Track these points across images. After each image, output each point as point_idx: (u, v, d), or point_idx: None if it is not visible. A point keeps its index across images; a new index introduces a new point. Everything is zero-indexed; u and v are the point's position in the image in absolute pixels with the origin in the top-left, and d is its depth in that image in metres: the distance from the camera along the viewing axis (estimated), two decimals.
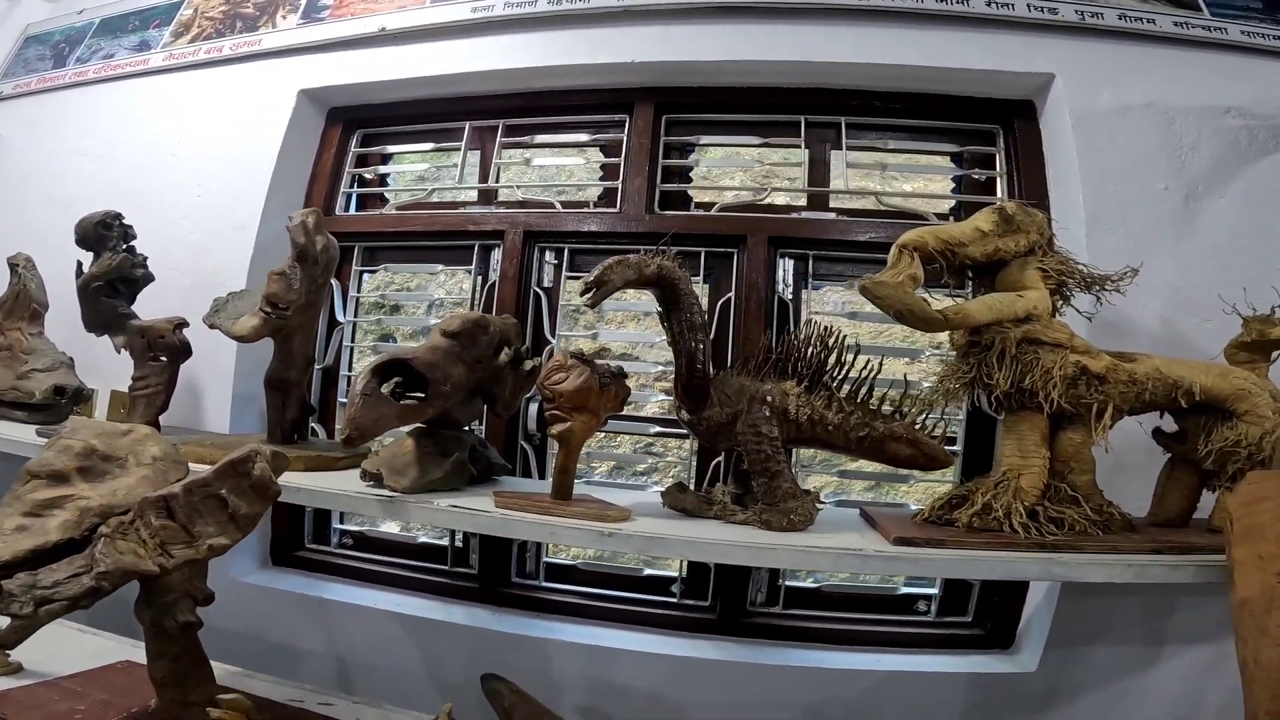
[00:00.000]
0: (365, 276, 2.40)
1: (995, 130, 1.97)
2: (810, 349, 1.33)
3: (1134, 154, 1.73)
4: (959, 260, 1.30)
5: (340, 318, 2.27)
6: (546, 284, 2.12)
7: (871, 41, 1.90)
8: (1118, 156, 1.73)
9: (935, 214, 1.99)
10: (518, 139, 2.28)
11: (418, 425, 1.46)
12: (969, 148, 1.99)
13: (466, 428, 1.62)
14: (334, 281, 2.22)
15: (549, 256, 2.14)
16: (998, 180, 1.97)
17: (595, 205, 2.18)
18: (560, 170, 2.38)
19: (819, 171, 2.05)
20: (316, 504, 1.46)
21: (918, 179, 2.42)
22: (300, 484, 1.39)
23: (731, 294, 1.96)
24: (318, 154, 2.40)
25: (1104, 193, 1.70)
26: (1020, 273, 1.34)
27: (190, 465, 1.24)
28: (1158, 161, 1.72)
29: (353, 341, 2.33)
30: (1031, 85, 1.87)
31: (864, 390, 1.33)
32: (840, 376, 1.33)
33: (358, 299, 2.33)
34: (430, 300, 2.43)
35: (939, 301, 1.27)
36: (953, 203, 2.03)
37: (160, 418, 1.87)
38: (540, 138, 2.27)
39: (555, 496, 1.34)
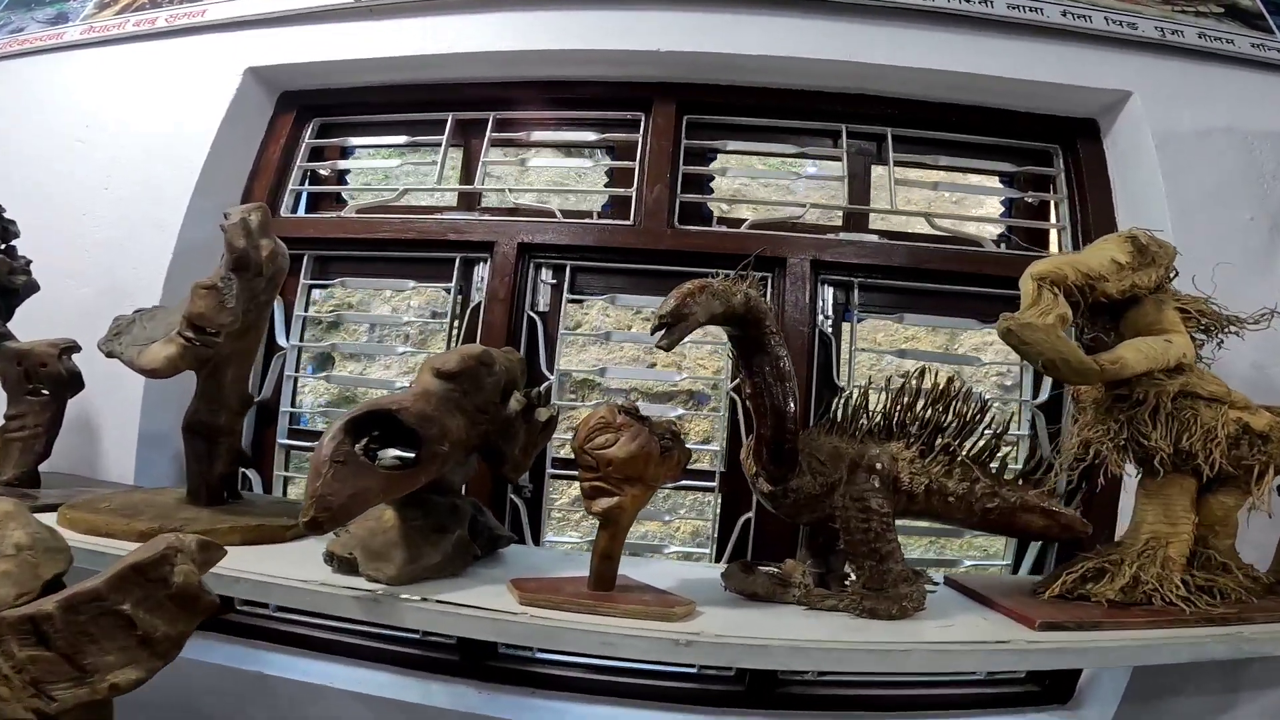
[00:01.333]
0: (316, 293, 2.00)
1: (1053, 150, 1.78)
2: (923, 402, 1.07)
3: (1219, 180, 1.55)
4: (1095, 297, 1.09)
5: (282, 341, 1.86)
6: (543, 307, 1.78)
7: (927, 46, 1.65)
8: (1203, 183, 1.54)
9: (991, 240, 1.78)
10: (511, 135, 1.95)
11: None
12: (1025, 168, 1.79)
13: (461, 490, 1.27)
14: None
15: (546, 274, 1.80)
16: (1054, 205, 1.77)
17: (600, 215, 1.87)
18: (563, 173, 2.06)
19: (857, 188, 1.80)
20: (267, 598, 1.09)
21: (965, 200, 2.21)
22: (239, 571, 1.00)
23: None
24: (263, 144, 1.97)
25: (1191, 221, 1.51)
26: (1158, 313, 1.14)
27: (83, 542, 0.87)
28: (1242, 190, 1.55)
29: (296, 370, 1.91)
30: (1100, 103, 1.67)
31: (989, 453, 1.08)
32: (960, 436, 1.07)
33: (304, 319, 1.93)
34: (397, 323, 2.05)
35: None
36: (1001, 228, 1.82)
37: (40, 466, 1.44)
38: (538, 134, 1.94)
39: (597, 587, 1.01)
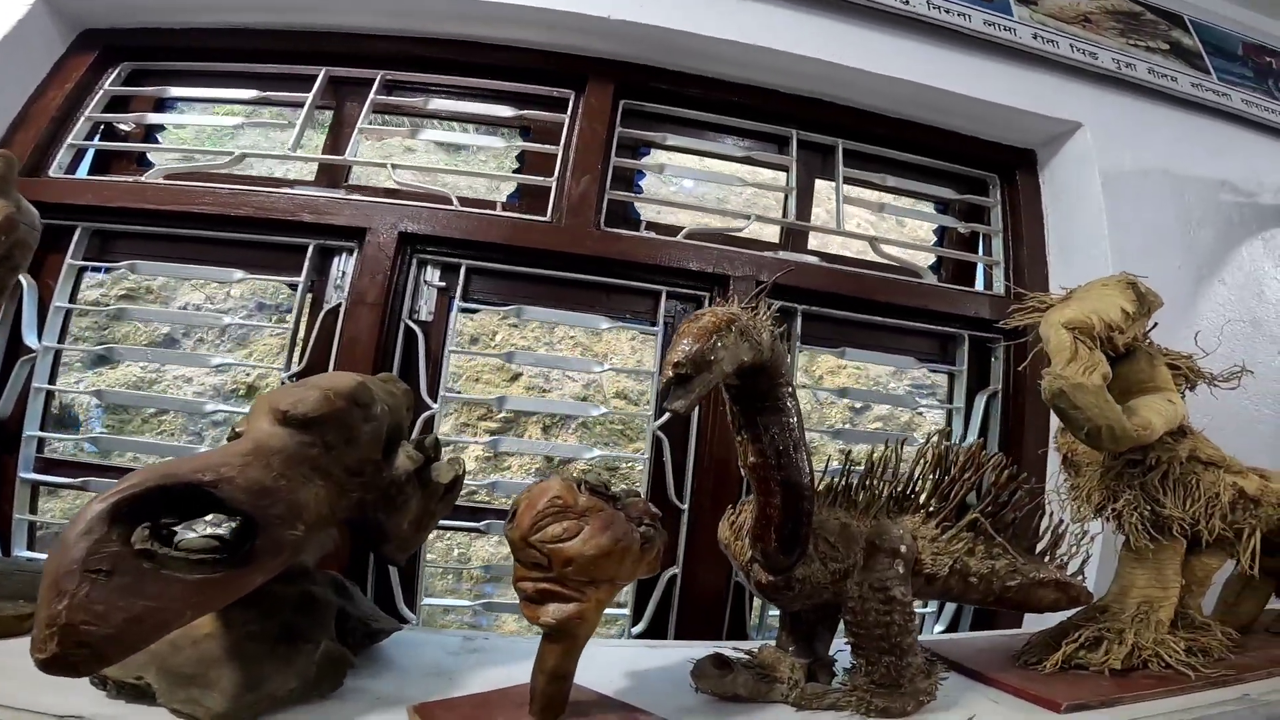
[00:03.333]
0: (90, 275, 1.47)
1: (991, 180, 1.70)
2: (943, 472, 0.87)
3: (1154, 224, 1.52)
4: (1108, 349, 0.96)
5: (31, 341, 1.32)
6: (425, 316, 1.40)
7: (894, 51, 1.50)
8: (1141, 226, 1.51)
9: (928, 269, 1.66)
10: (401, 100, 1.55)
11: None
12: (964, 196, 1.70)
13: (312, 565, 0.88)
14: (25, 280, 1.30)
15: (432, 274, 1.42)
16: (984, 237, 1.69)
17: (505, 207, 1.52)
18: (465, 154, 1.68)
19: (802, 202, 1.62)
20: None
21: (906, 224, 2.12)
22: None
23: None
24: (41, 88, 1.47)
25: (1129, 266, 1.47)
26: (1151, 369, 1.04)
27: None
28: (1172, 235, 1.55)
29: (51, 381, 1.37)
30: (1047, 132, 1.60)
31: (1009, 527, 0.90)
32: (993, 511, 0.88)
33: (69, 311, 1.39)
34: (212, 324, 1.56)
35: None
36: (932, 259, 1.73)
37: None
38: (438, 103, 1.55)
39: (544, 715, 0.70)
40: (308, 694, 0.73)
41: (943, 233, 1.76)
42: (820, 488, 0.84)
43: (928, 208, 1.77)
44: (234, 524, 0.67)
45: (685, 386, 0.62)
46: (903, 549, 0.80)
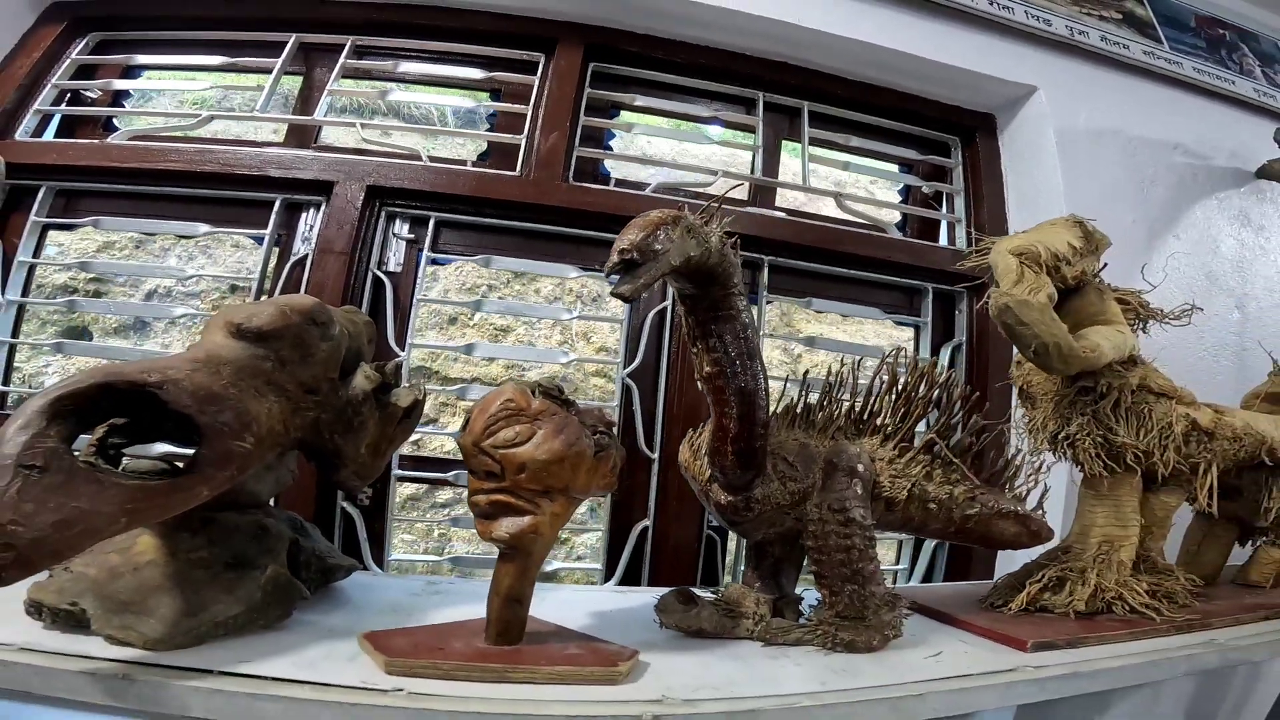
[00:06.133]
0: (54, 235, 1.43)
1: (952, 142, 1.71)
2: (897, 390, 0.86)
3: (1108, 182, 1.54)
4: (1057, 281, 0.97)
5: None
6: (394, 266, 1.38)
7: (857, 14, 1.50)
8: (1096, 183, 1.52)
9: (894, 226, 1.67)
10: (371, 64, 1.52)
11: None
12: (927, 157, 1.71)
13: (270, 503, 0.86)
14: None
15: (400, 227, 1.40)
16: (946, 197, 1.70)
17: (478, 164, 1.50)
18: (432, 113, 1.65)
19: (768, 162, 1.62)
20: None
21: (872, 185, 2.12)
22: None
23: (667, 303, 1.42)
24: (7, 59, 1.45)
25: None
26: (1102, 302, 1.03)
27: None
28: (1126, 192, 1.56)
29: (14, 335, 1.33)
30: (1005, 96, 1.60)
31: (970, 452, 0.89)
32: (945, 431, 0.88)
33: (32, 265, 1.35)
34: (175, 278, 1.52)
35: None
36: (898, 216, 1.74)
37: None
38: (406, 67, 1.52)
39: (500, 640, 0.67)
40: (252, 621, 0.68)
41: (907, 192, 1.77)
42: (779, 409, 0.83)
43: (891, 170, 1.77)
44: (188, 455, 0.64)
45: (632, 273, 0.61)
46: (860, 468, 0.79)
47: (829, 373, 0.86)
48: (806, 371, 0.92)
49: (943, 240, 1.68)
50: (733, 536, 1.42)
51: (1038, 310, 0.84)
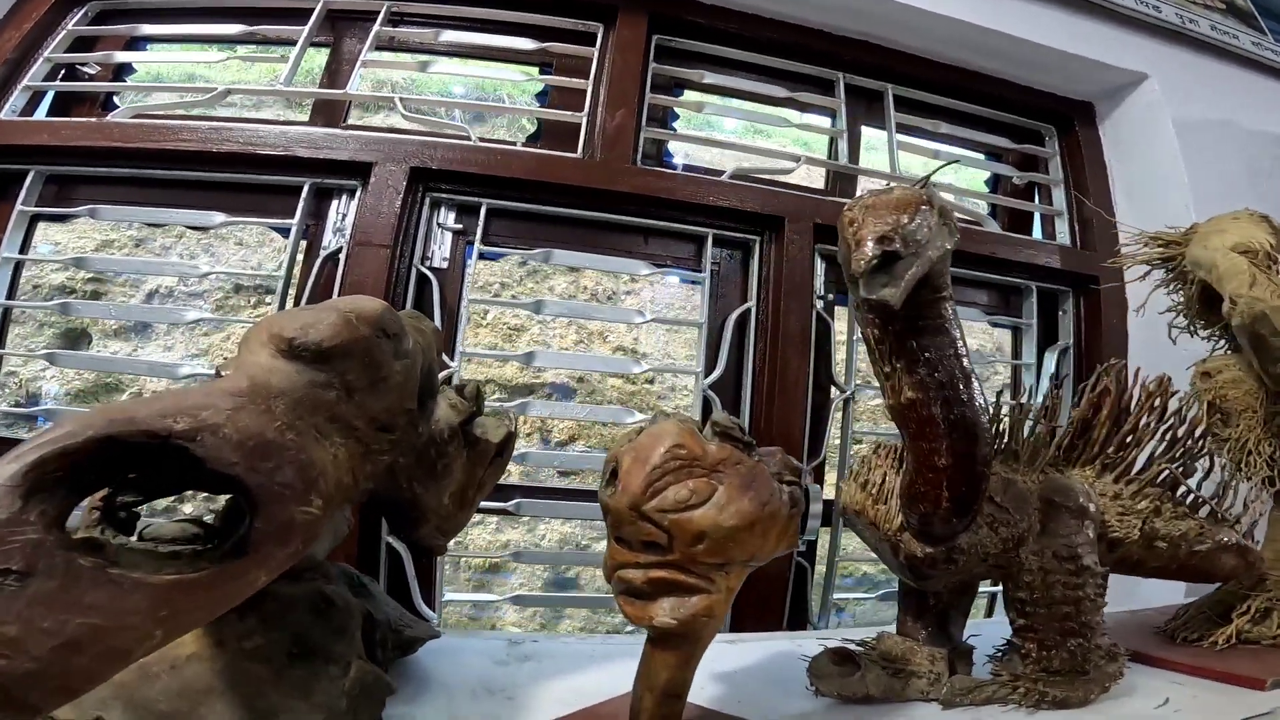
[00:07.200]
0: (43, 229, 1.23)
1: (1047, 131, 1.54)
2: (1130, 414, 0.69)
3: (1229, 173, 1.38)
4: None
5: None
6: (439, 262, 1.19)
7: None
8: (1217, 175, 1.37)
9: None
10: (407, 32, 1.32)
11: None
12: (1021, 146, 1.53)
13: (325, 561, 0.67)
14: None
15: (447, 216, 1.20)
16: (1039, 189, 1.53)
17: (528, 144, 1.31)
18: (481, 84, 1.46)
19: (852, 148, 1.43)
20: None
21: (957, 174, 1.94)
22: None
23: (752, 304, 1.24)
24: None
25: (1211, 214, 1.35)
26: None
27: None
28: (1244, 186, 1.40)
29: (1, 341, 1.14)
30: (1109, 83, 1.44)
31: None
32: (1182, 460, 0.71)
33: (19, 262, 1.16)
34: (180, 276, 1.33)
35: None
36: (986, 208, 1.56)
37: None
38: (449, 36, 1.33)
39: None
40: None
41: (996, 182, 1.60)
42: None
43: (979, 159, 1.60)
44: (220, 505, 0.46)
45: (890, 271, 0.43)
46: (1091, 507, 0.62)
47: (1026, 391, 0.68)
48: (1001, 391, 0.74)
49: (1036, 234, 1.51)
50: (820, 560, 1.25)
51: None
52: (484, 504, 1.14)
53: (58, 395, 2.29)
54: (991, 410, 0.64)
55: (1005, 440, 0.67)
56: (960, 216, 1.42)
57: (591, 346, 2.59)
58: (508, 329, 2.81)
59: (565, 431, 2.60)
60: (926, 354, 0.53)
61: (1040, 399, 0.70)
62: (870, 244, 0.43)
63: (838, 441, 1.23)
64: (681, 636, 0.48)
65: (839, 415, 1.23)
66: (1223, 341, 0.93)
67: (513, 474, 1.30)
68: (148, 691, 0.48)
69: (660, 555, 0.46)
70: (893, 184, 0.50)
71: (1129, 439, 0.68)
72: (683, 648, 0.49)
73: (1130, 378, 0.69)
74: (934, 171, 0.60)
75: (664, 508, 0.45)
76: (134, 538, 0.49)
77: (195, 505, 1.55)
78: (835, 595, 1.21)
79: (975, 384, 0.55)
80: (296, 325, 0.51)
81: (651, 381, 2.82)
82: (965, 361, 0.54)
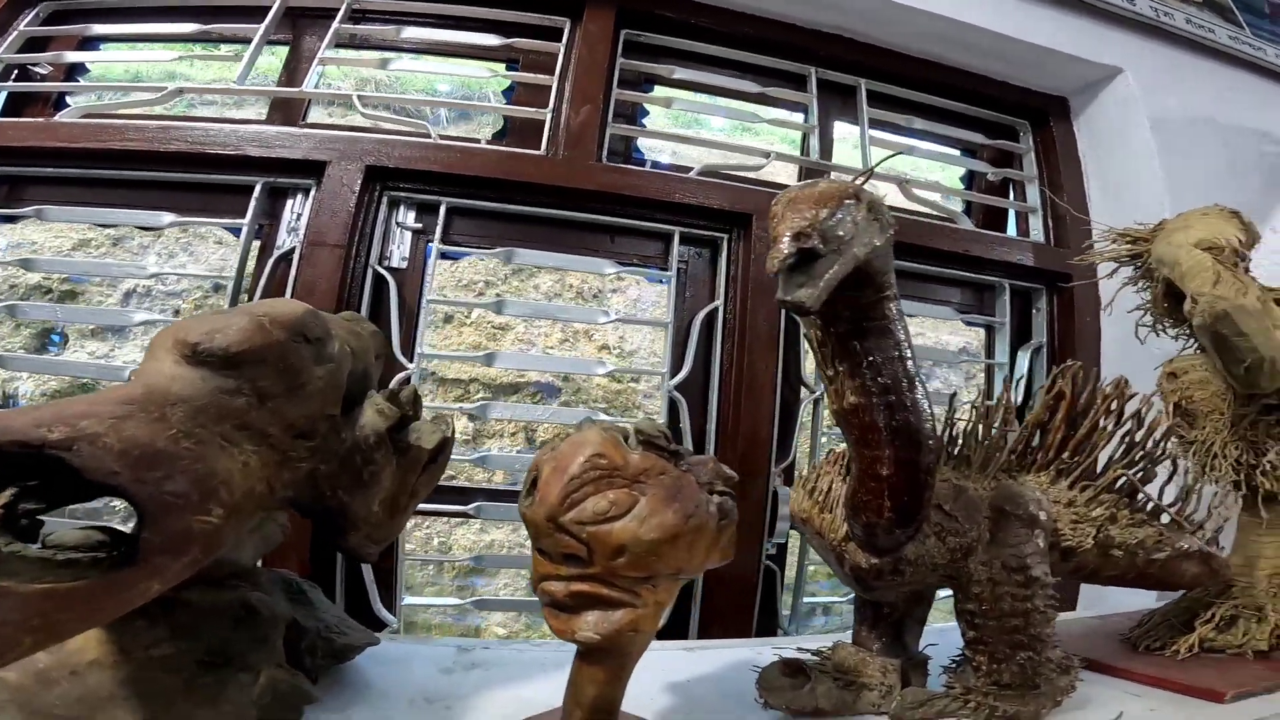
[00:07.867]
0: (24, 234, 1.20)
1: (1021, 126, 1.52)
2: (1086, 417, 0.67)
3: (1206, 170, 1.37)
4: None
5: None
6: (398, 262, 1.16)
7: None
8: (1194, 172, 1.34)
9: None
10: (368, 29, 1.29)
11: None
12: (995, 142, 1.51)
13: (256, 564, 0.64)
14: None
15: (405, 215, 1.17)
16: (1014, 185, 1.52)
17: (494, 142, 1.28)
18: (447, 80, 1.43)
19: (824, 143, 1.41)
20: None
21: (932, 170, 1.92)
22: None
23: (719, 303, 1.21)
24: None
25: (1188, 209, 1.33)
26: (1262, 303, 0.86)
27: None
28: (1224, 182, 1.39)
29: None
30: (1083, 78, 1.42)
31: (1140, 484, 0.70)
32: (1138, 465, 0.69)
33: None
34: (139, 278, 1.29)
35: None
36: (960, 205, 1.54)
37: None
38: (411, 32, 1.30)
39: None
40: None
41: (970, 179, 1.58)
42: None
43: (953, 155, 1.58)
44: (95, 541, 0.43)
45: (808, 271, 0.40)
46: (1041, 515, 0.60)
47: (977, 398, 0.66)
48: (953, 396, 0.71)
49: (1011, 231, 1.49)
50: (790, 564, 1.23)
51: (1256, 318, 0.65)
52: (442, 507, 1.12)
53: (31, 395, 2.23)
54: (943, 414, 0.62)
55: (959, 445, 0.65)
56: (932, 213, 1.41)
57: (576, 345, 2.55)
58: (492, 328, 2.77)
59: (551, 432, 2.56)
60: (870, 357, 0.51)
61: (995, 400, 0.67)
62: (786, 241, 0.41)
63: (808, 444, 1.21)
64: (606, 651, 0.45)
65: (809, 417, 1.20)
66: (1191, 341, 0.91)
67: (472, 476, 1.28)
68: (46, 697, 0.46)
69: (581, 568, 0.44)
70: (822, 178, 0.47)
71: (1084, 444, 0.65)
72: (609, 663, 0.46)
73: (1088, 379, 0.67)
74: (879, 163, 0.58)
75: (582, 520, 0.42)
76: (36, 545, 0.46)
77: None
78: (810, 599, 1.18)
79: (920, 388, 0.52)
80: (202, 330, 0.49)
81: (637, 380, 2.78)
82: (910, 364, 0.52)
